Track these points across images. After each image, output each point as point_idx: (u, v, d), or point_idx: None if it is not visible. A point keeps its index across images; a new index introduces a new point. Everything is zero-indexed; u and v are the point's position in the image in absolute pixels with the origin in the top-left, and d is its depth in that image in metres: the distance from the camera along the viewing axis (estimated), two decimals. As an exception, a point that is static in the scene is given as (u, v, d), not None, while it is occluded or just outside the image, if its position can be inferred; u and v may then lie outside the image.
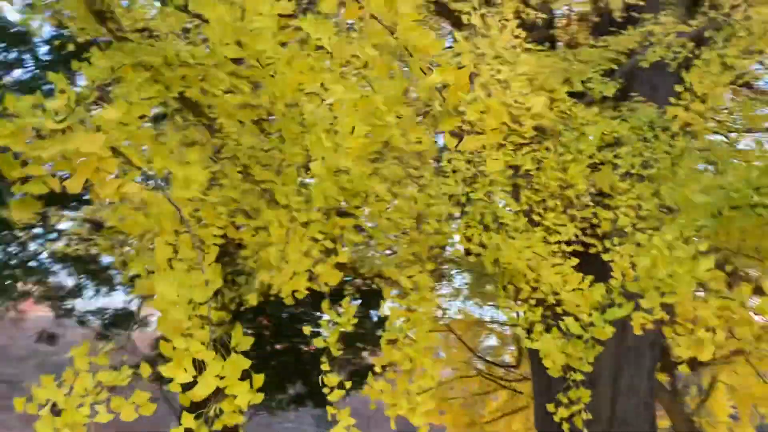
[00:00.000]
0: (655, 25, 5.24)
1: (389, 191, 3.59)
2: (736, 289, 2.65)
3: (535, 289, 3.32)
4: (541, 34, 5.94)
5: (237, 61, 2.52)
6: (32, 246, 9.62)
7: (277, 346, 11.28)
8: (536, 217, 3.58)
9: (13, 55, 8.92)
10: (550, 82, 3.98)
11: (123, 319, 10.86)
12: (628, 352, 5.70)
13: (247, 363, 1.99)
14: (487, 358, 11.46)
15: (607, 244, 3.52)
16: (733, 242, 2.86)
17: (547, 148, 3.67)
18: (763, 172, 2.69)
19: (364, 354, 13.13)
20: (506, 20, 3.13)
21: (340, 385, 2.78)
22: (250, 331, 10.92)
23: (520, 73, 2.91)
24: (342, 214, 3.28)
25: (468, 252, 3.41)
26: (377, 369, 3.04)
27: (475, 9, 2.99)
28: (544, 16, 5.36)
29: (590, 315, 2.61)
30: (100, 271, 9.88)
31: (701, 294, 2.76)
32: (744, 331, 2.68)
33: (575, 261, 3.43)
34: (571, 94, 4.62)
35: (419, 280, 3.30)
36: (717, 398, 9.35)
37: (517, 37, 3.35)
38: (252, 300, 2.84)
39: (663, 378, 8.82)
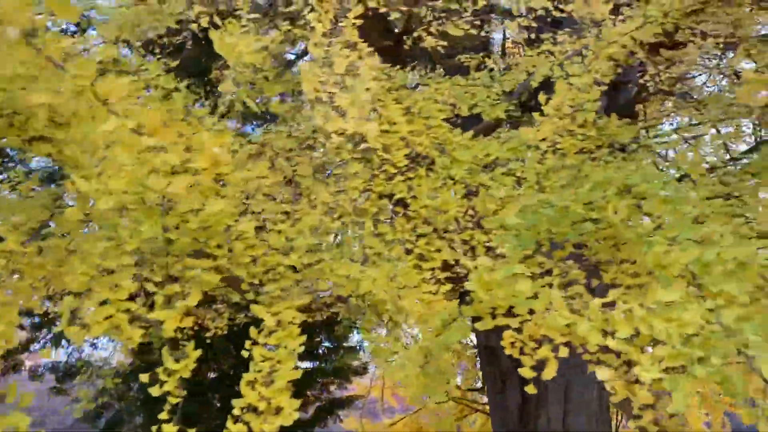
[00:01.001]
0: (553, 45, 5.31)
1: (259, 228, 3.55)
2: (577, 304, 2.61)
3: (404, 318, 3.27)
4: (449, 62, 6.00)
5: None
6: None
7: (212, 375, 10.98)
8: (409, 245, 3.55)
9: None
10: (429, 108, 3.99)
11: (78, 371, 10.69)
12: (576, 368, 5.66)
13: None
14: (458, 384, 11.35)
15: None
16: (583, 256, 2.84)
17: (420, 176, 3.66)
18: (594, 186, 2.67)
19: (332, 388, 12.91)
20: (349, 46, 3.14)
21: (180, 434, 2.69)
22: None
23: (362, 99, 2.91)
24: (199, 254, 3.23)
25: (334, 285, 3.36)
26: (236, 411, 2.96)
27: (318, 33, 3.00)
28: (444, 43, 5.42)
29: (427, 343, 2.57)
30: (48, 323, 9.75)
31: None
32: (591, 346, 2.65)
33: (448, 287, 3.38)
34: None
35: (285, 317, 3.24)
36: (690, 406, 9.25)
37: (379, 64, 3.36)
38: (44, 355, 2.76)
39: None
